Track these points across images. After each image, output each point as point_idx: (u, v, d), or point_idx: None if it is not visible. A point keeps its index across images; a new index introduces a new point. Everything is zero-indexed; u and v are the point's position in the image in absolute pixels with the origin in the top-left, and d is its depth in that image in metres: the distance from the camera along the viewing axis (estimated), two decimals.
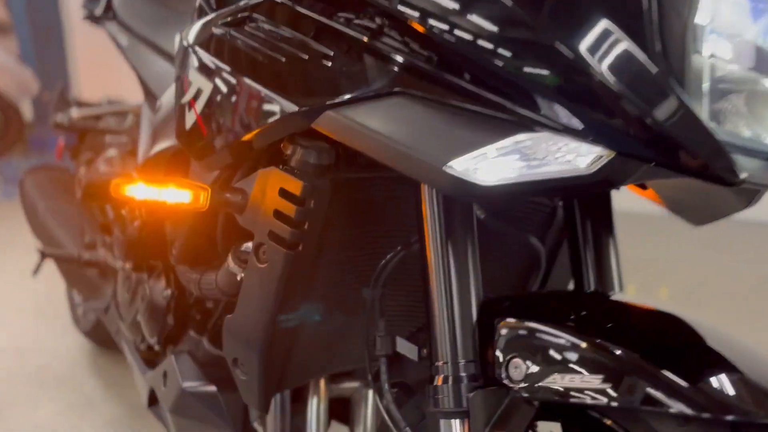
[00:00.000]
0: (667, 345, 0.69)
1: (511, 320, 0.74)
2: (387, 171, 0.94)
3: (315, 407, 1.13)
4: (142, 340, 1.33)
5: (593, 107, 0.61)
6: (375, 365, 1.20)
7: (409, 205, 0.95)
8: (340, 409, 1.23)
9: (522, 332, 0.72)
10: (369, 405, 1.20)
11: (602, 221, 0.94)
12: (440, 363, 0.76)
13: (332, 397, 1.17)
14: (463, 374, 0.74)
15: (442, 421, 0.75)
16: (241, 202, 0.86)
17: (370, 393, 1.20)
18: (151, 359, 1.36)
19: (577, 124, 0.61)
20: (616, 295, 0.91)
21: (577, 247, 0.94)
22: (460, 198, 0.74)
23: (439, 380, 0.76)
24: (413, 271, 0.98)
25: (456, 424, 0.74)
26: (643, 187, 0.90)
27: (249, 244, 0.92)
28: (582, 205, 0.95)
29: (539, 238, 1.07)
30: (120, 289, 1.40)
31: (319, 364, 1.00)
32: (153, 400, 1.31)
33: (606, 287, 0.92)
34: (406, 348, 0.88)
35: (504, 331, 0.74)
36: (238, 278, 0.93)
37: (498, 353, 0.73)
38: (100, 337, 2.19)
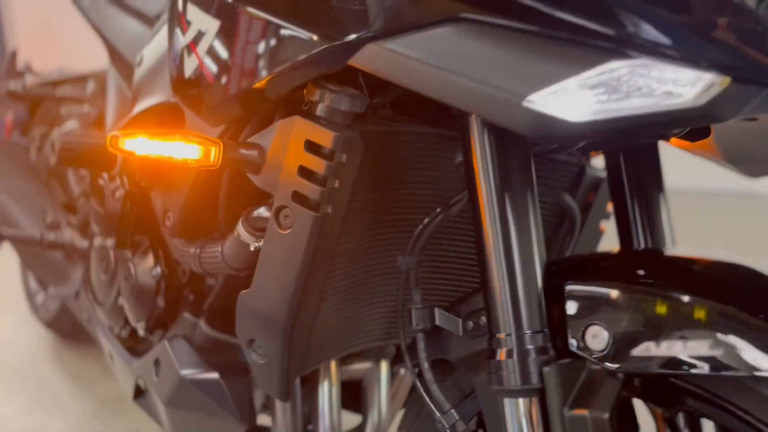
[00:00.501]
0: (765, 300, 0.61)
1: (583, 283, 0.65)
2: (418, 125, 0.84)
3: (326, 391, 1.03)
4: (123, 326, 1.20)
5: (698, 21, 0.52)
6: (389, 345, 1.11)
7: (444, 163, 0.86)
8: (348, 395, 1.13)
9: (600, 296, 0.63)
10: (383, 387, 1.11)
11: (651, 174, 0.86)
12: (502, 335, 0.66)
13: (342, 380, 1.07)
14: (530, 347, 0.65)
15: (506, 401, 0.66)
16: (257, 159, 0.74)
17: (384, 374, 1.11)
18: (134, 347, 1.23)
19: (677, 44, 0.52)
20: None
21: (624, 204, 0.86)
22: (541, 139, 0.64)
23: (501, 355, 0.66)
24: (450, 236, 0.88)
25: (524, 402, 0.65)
26: (692, 138, 0.82)
27: (262, 210, 0.80)
28: (628, 158, 0.87)
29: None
30: (95, 271, 1.26)
31: (339, 343, 0.90)
32: (138, 392, 1.18)
33: (658, 244, 0.84)
34: (446, 321, 0.78)
35: (576, 296, 0.65)
36: (251, 248, 0.81)
37: (571, 321, 0.64)
38: (63, 328, 2.03)
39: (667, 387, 0.65)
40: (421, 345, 0.79)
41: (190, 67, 0.79)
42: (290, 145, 0.72)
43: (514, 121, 0.57)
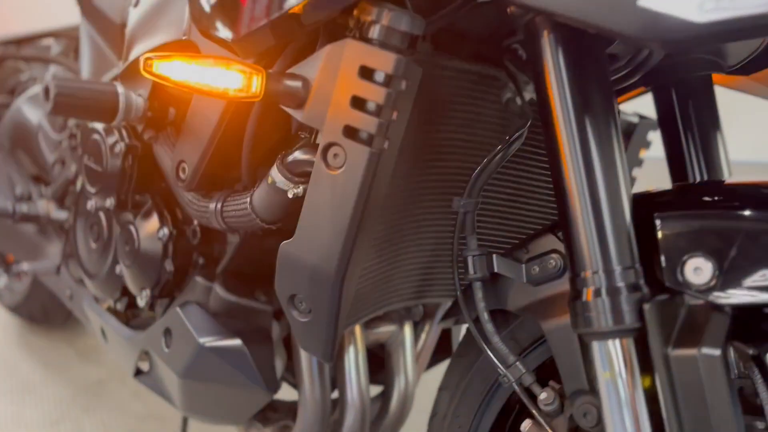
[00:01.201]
0: None
1: (676, 213, 0.60)
2: (459, 61, 0.77)
3: (353, 356, 0.96)
4: (120, 298, 1.10)
5: None
6: (418, 305, 1.05)
7: (486, 103, 0.80)
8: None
9: (699, 225, 0.58)
10: (408, 350, 1.04)
11: (706, 108, 0.82)
12: (588, 274, 0.61)
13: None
14: (620, 284, 0.59)
15: (595, 344, 0.61)
16: (301, 92, 0.66)
17: (408, 337, 1.04)
18: (131, 320, 1.14)
19: None
20: None
21: (678, 139, 0.82)
22: (655, 44, 0.58)
23: (588, 295, 0.61)
24: (504, 177, 0.82)
25: (615, 344, 0.60)
26: (749, 70, 0.78)
27: (300, 152, 0.72)
28: (680, 93, 0.82)
29: None
30: (83, 240, 1.15)
31: (374, 301, 0.83)
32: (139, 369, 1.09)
33: (716, 176, 0.80)
34: (507, 267, 0.72)
35: (671, 227, 0.59)
36: (290, 196, 0.73)
37: (666, 255, 0.59)
38: (31, 312, 1.89)
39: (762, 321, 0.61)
40: (479, 294, 0.73)
41: None
42: (341, 73, 0.64)
43: (625, 24, 0.50)
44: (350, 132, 0.64)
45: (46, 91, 0.83)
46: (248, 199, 0.77)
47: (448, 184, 0.82)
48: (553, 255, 0.68)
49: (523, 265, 0.71)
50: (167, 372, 0.95)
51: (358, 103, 0.64)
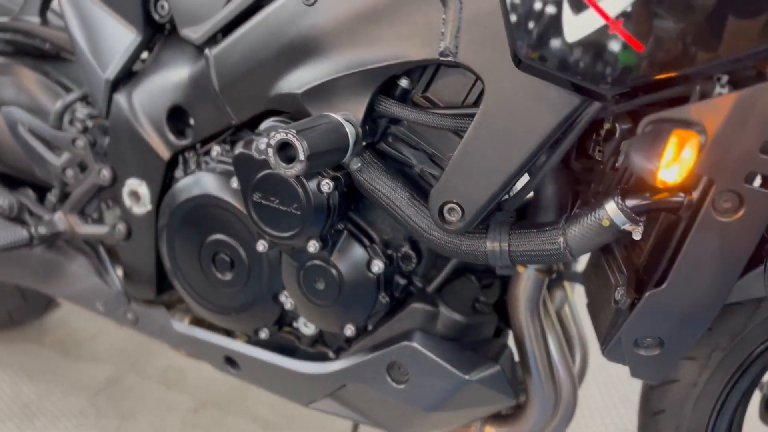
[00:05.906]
0: None
1: None
2: None
3: (554, 337, 0.95)
4: (270, 327, 0.97)
5: None
6: None
7: None
8: None
9: None
10: (574, 309, 1.06)
11: None
12: None
13: None
14: None
15: None
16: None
17: (570, 295, 1.06)
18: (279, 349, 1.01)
19: None
20: None
21: None
22: None
23: None
24: None
25: None
26: None
27: (645, 195, 0.66)
28: None
29: None
30: (193, 266, 0.95)
31: None
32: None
33: None
34: None
35: None
36: (636, 237, 0.67)
37: None
38: None
39: None
40: None
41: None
42: (753, 120, 0.59)
43: None
44: (754, 178, 0.61)
45: (275, 146, 0.65)
46: (561, 240, 0.70)
47: None
48: None
49: None
50: (397, 406, 0.88)
51: None
